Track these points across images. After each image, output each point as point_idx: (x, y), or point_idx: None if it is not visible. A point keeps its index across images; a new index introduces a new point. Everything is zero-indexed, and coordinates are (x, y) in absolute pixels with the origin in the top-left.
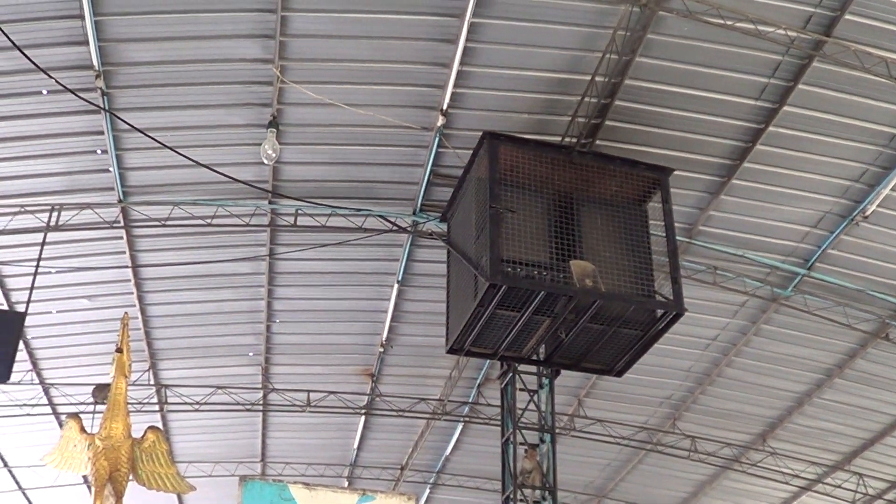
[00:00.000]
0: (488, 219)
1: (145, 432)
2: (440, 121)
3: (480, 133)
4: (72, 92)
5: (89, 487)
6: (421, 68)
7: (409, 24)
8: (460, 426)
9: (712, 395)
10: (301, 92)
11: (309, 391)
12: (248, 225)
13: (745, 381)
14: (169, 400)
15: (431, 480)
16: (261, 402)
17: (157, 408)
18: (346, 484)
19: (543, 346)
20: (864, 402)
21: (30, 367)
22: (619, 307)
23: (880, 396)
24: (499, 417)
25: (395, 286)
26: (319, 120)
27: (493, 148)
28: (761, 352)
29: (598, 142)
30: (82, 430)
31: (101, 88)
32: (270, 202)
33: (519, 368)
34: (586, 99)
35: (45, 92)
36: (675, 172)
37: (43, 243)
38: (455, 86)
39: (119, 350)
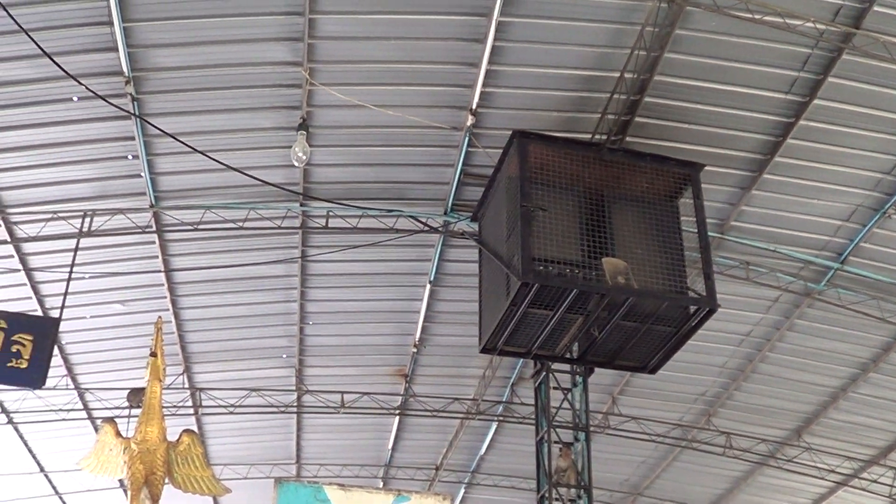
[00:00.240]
0: (519, 217)
1: (180, 435)
2: (470, 120)
3: (510, 132)
4: (102, 98)
5: (125, 491)
6: (449, 68)
7: (437, 24)
8: (494, 425)
9: (747, 391)
10: (330, 94)
11: (343, 392)
12: (279, 227)
13: (780, 377)
14: (203, 403)
15: (466, 480)
16: (295, 404)
17: (191, 411)
18: (381, 485)
19: (577, 344)
20: None
21: (65, 372)
22: (651, 304)
23: None
24: (533, 416)
25: (428, 286)
26: (349, 121)
27: (523, 146)
28: (795, 347)
29: (627, 138)
30: (118, 434)
31: (131, 94)
32: (302, 204)
33: (552, 367)
34: (615, 96)
35: (75, 99)
36: (706, 168)
37: (76, 249)
38: (484, 85)
39: (153, 354)
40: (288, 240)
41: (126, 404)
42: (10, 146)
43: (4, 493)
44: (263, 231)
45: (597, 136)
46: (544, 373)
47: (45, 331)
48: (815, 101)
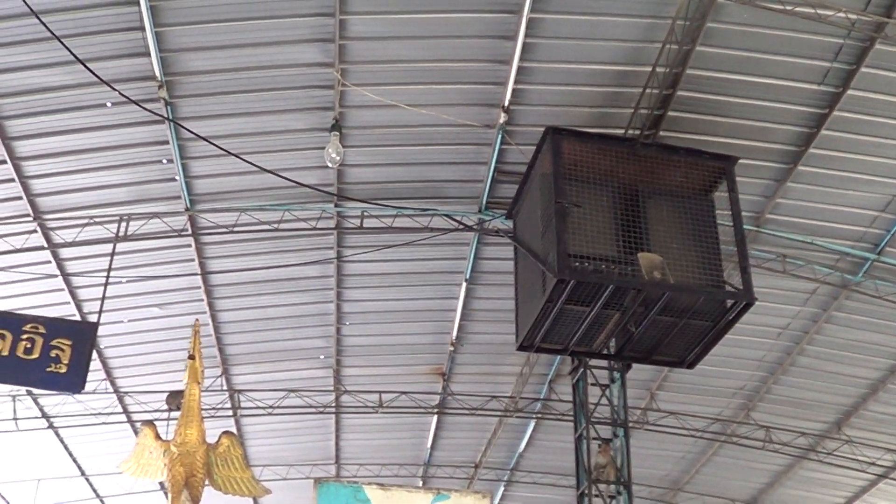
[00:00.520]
0: (554, 214)
1: (220, 437)
2: (502, 118)
3: (543, 129)
4: (135, 103)
5: (166, 493)
6: (481, 66)
7: (467, 22)
8: (533, 423)
9: (785, 385)
10: (362, 94)
11: (381, 392)
12: (314, 228)
13: (819, 370)
14: (242, 404)
15: (505, 478)
16: (333, 405)
17: (230, 413)
18: (420, 483)
19: (614, 340)
20: None
21: (104, 376)
22: (688, 299)
23: None
24: (571, 413)
25: (464, 284)
26: (382, 121)
27: (556, 143)
28: (833, 339)
29: (661, 133)
30: (157, 437)
31: (164, 98)
32: (336, 205)
33: (590, 363)
34: (648, 90)
35: (109, 104)
36: (741, 161)
37: (113, 253)
38: (516, 82)
39: (191, 357)
40: (323, 240)
41: (165, 407)
42: (46, 152)
43: (47, 498)
44: (298, 232)
45: (630, 132)
46: (582, 369)
47: (83, 335)
48: (849, 92)
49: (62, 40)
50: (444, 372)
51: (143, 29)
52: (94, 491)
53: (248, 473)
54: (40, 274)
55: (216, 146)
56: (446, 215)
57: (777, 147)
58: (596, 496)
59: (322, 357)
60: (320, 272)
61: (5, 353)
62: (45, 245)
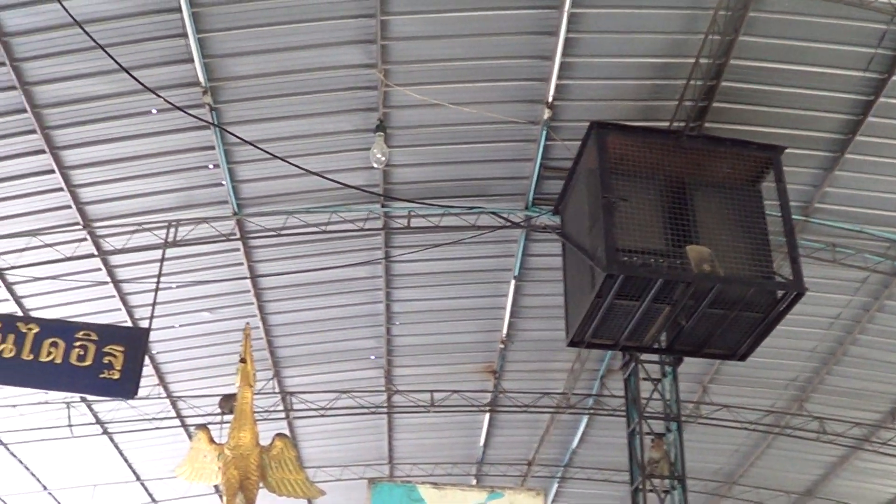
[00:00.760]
0: (601, 209)
1: (273, 440)
2: (546, 114)
3: (588, 123)
4: (181, 109)
5: (220, 497)
6: (524, 62)
7: (508, 19)
8: (585, 419)
9: (838, 375)
10: (406, 94)
11: (432, 391)
12: (362, 229)
13: (871, 359)
14: (294, 406)
15: (559, 474)
16: (385, 405)
17: (283, 415)
18: (474, 482)
19: (665, 334)
20: None
21: (156, 381)
22: (738, 290)
23: None
24: (623, 408)
25: (513, 282)
26: (426, 121)
27: (602, 137)
28: (885, 328)
29: (706, 124)
30: (211, 440)
31: (209, 104)
32: (383, 205)
33: (641, 358)
34: (692, 82)
35: (154, 111)
36: (787, 150)
37: (162, 259)
38: (559, 77)
39: (243, 360)
40: (371, 241)
41: (218, 411)
42: (93, 161)
43: (103, 503)
44: (346, 234)
45: (675, 124)
46: (633, 364)
47: (135, 341)
48: (894, 78)
49: (106, 49)
50: (495, 369)
51: (185, 35)
52: (150, 495)
53: (302, 475)
54: (91, 281)
55: (262, 150)
56: (493, 213)
57: (824, 135)
58: (650, 491)
59: (373, 357)
60: (369, 273)
61: (59, 360)
62: (96, 253)
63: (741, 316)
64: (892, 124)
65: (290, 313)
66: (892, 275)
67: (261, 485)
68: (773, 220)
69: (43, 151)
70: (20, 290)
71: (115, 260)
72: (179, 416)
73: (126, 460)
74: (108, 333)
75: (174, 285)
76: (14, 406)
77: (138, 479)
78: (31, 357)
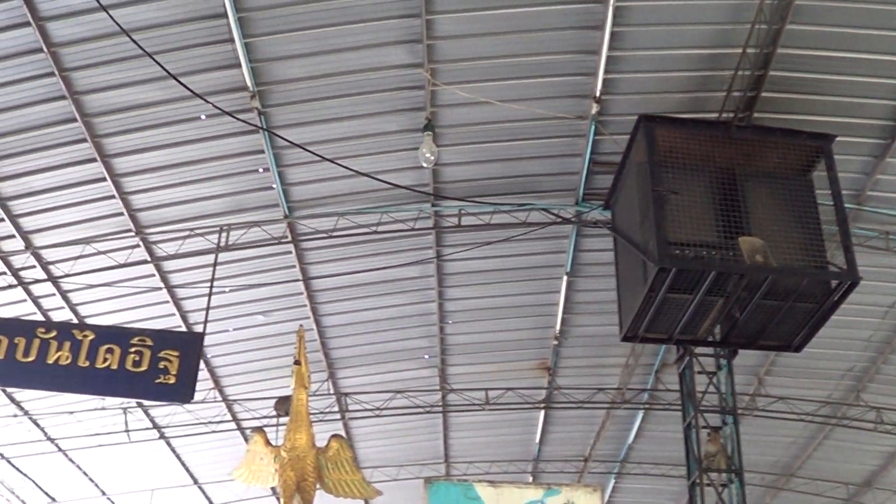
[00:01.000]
0: (652, 202)
1: (329, 441)
2: (594, 108)
3: (636, 117)
4: (229, 114)
5: (278, 499)
6: (570, 57)
7: (553, 14)
8: (641, 413)
9: (895, 364)
10: (453, 93)
11: (487, 389)
12: (412, 229)
13: None
14: (349, 407)
15: (616, 470)
16: (440, 404)
17: (338, 416)
18: (530, 479)
19: (718, 326)
20: None
21: (212, 385)
22: (791, 281)
23: None
24: (679, 402)
25: (565, 278)
26: (474, 119)
27: (650, 131)
28: None
29: (755, 114)
30: (267, 443)
31: (257, 108)
32: (433, 205)
33: (695, 351)
34: (739, 72)
35: (203, 117)
36: (838, 139)
37: (215, 264)
38: (606, 72)
39: (297, 362)
40: (422, 241)
41: (274, 413)
42: (144, 168)
43: None
44: (397, 233)
45: (724, 115)
46: (688, 357)
47: (190, 346)
48: None
49: (154, 57)
50: (549, 366)
51: (232, 41)
52: (208, 499)
53: (358, 476)
54: (145, 287)
55: (311, 152)
56: (544, 209)
57: (874, 122)
58: (707, 485)
59: (426, 357)
60: (420, 272)
61: (114, 366)
62: (149, 259)
63: (795, 307)
64: None
65: (343, 314)
66: None
67: (318, 486)
68: (825, 210)
69: (94, 160)
70: (75, 297)
71: (168, 265)
72: (235, 419)
73: (183, 464)
74: (162, 338)
75: (227, 289)
76: (71, 413)
77: (196, 482)
78: (88, 364)
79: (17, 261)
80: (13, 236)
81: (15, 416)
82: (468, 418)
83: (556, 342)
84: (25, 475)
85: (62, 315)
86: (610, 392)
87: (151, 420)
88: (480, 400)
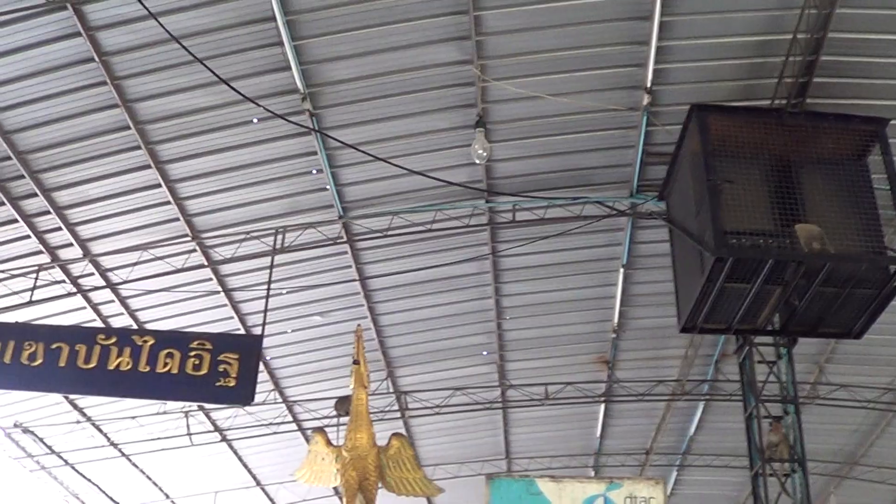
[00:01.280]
0: (707, 192)
1: (390, 439)
2: (646, 99)
3: (688, 107)
4: (281, 117)
5: (340, 498)
6: (620, 49)
7: (601, 6)
8: (702, 405)
9: None
10: (503, 88)
11: (546, 384)
12: (467, 226)
13: None
14: (409, 406)
15: (678, 462)
16: (499, 400)
17: (398, 414)
18: (592, 473)
19: (777, 315)
20: None
21: (272, 386)
22: (850, 267)
23: None
24: (740, 393)
25: (621, 270)
26: (525, 114)
27: (703, 120)
28: None
29: (808, 100)
30: (328, 443)
31: (308, 110)
32: (487, 201)
33: (755, 340)
34: (790, 58)
35: (255, 120)
36: (892, 122)
37: (271, 266)
38: (656, 62)
39: (356, 362)
40: (477, 237)
41: (334, 413)
42: (198, 173)
43: None
44: (452, 231)
45: (776, 102)
46: (747, 347)
47: (249, 348)
48: None
49: (204, 62)
50: (608, 359)
51: (281, 44)
52: (271, 500)
53: (420, 473)
54: (203, 291)
55: (364, 152)
56: (598, 202)
57: None
58: (770, 475)
59: (485, 353)
60: (476, 269)
61: (175, 370)
62: (206, 263)
63: (854, 293)
64: None
65: (400, 313)
66: None
67: (379, 485)
68: (882, 194)
69: (148, 166)
70: (134, 303)
71: (225, 269)
72: (296, 420)
73: (245, 466)
74: (222, 342)
75: (284, 291)
76: (133, 417)
77: (258, 483)
78: (148, 369)
79: (75, 269)
80: (71, 245)
81: (78, 422)
82: (528, 414)
83: (614, 335)
84: (90, 480)
85: (121, 321)
86: (670, 384)
87: (213, 423)
88: (540, 395)
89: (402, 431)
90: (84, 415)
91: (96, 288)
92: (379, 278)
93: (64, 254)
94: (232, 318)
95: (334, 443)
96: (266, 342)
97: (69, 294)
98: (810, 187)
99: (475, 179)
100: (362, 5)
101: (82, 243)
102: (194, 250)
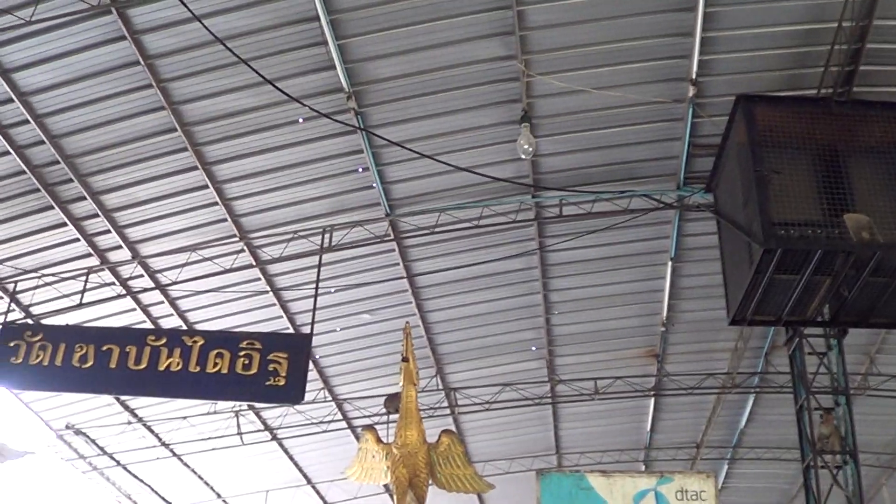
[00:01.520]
0: (754, 183)
1: (440, 436)
2: (691, 91)
3: (734, 97)
4: (327, 116)
5: (391, 496)
6: (664, 41)
7: None
8: (752, 397)
9: None
10: (548, 83)
11: (596, 379)
12: (514, 221)
13: None
14: (459, 402)
15: (728, 455)
16: (549, 395)
17: (447, 411)
18: (642, 467)
19: (827, 306)
20: None
21: (321, 385)
22: None
23: None
24: (790, 385)
25: (669, 263)
26: (570, 108)
27: (749, 110)
28: None
29: (854, 89)
30: (378, 440)
31: (353, 109)
32: (533, 196)
33: (805, 332)
34: (836, 47)
35: (300, 120)
36: None
37: (319, 265)
38: (701, 53)
39: (405, 359)
40: (524, 233)
41: (384, 411)
42: (245, 173)
43: None
44: (499, 227)
45: (822, 91)
46: (797, 339)
47: (298, 347)
48: None
49: (249, 63)
50: (657, 353)
51: (325, 43)
52: (322, 498)
53: (470, 470)
54: (251, 291)
55: (409, 150)
56: (645, 195)
57: None
58: (822, 467)
59: (534, 348)
60: (524, 264)
61: (225, 370)
62: (254, 263)
63: None
64: None
65: (448, 310)
66: None
67: (430, 482)
68: None
69: (195, 168)
70: (183, 304)
71: (273, 269)
72: (346, 418)
73: (296, 464)
74: (271, 341)
75: (333, 289)
76: (184, 418)
77: (309, 482)
78: (198, 369)
79: (125, 271)
80: (120, 247)
81: (129, 423)
82: (578, 409)
83: (663, 329)
84: (141, 481)
85: (171, 322)
86: (720, 377)
87: (263, 422)
88: (589, 390)
89: (452, 428)
90: (135, 415)
91: (146, 289)
92: (426, 275)
93: (113, 256)
94: (281, 317)
95: (384, 440)
96: (315, 341)
97: (119, 296)
98: (858, 176)
99: (521, 175)
100: (405, 3)
101: (131, 245)
102: (242, 250)
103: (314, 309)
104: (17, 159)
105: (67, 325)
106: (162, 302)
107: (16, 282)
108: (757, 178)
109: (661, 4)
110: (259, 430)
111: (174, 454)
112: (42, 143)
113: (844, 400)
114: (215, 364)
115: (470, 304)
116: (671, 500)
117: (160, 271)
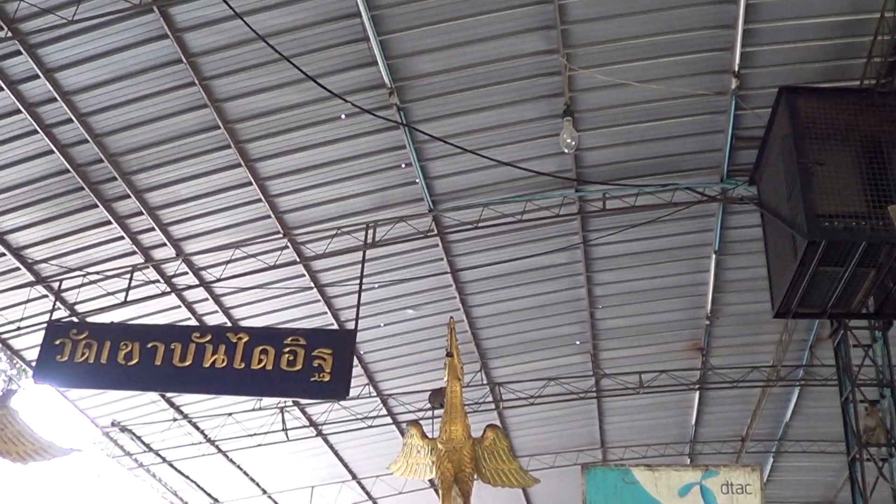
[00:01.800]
0: (798, 175)
1: (485, 431)
2: (734, 83)
3: (776, 89)
4: (369, 112)
5: (436, 491)
6: (706, 33)
7: None
8: (797, 390)
9: None
10: (590, 76)
11: (640, 372)
12: (558, 216)
13: None
14: (503, 397)
15: (774, 449)
16: (594, 389)
17: (492, 406)
18: (688, 461)
19: (872, 297)
20: None
21: (366, 381)
22: None
23: None
24: (835, 377)
25: (713, 256)
26: (613, 101)
27: (792, 102)
28: None
29: None
30: (423, 435)
31: (395, 104)
32: (577, 190)
33: (850, 324)
34: (879, 37)
35: (343, 116)
36: None
37: (363, 261)
38: (743, 45)
39: (449, 354)
40: (567, 227)
41: (428, 406)
42: (288, 170)
43: (323, 502)
44: (542, 221)
45: (865, 82)
46: (842, 331)
47: (342, 343)
48: None
49: (291, 60)
50: (701, 346)
51: (367, 39)
52: (367, 493)
53: (515, 464)
54: (295, 288)
55: (452, 145)
56: (688, 188)
57: None
58: (868, 460)
59: (578, 343)
60: (568, 258)
61: (270, 367)
62: (298, 259)
63: None
64: None
65: (492, 304)
66: None
67: (475, 476)
68: None
69: (239, 165)
70: (227, 301)
71: (317, 265)
72: (391, 414)
73: (341, 460)
74: (315, 337)
75: (376, 285)
76: (230, 414)
77: (354, 477)
78: (243, 366)
79: (169, 268)
80: (164, 244)
81: (175, 419)
82: (623, 403)
83: (707, 322)
84: (187, 477)
85: (216, 319)
86: (765, 370)
87: (308, 418)
88: (634, 384)
89: (497, 423)
90: (180, 412)
91: (190, 287)
92: (470, 270)
93: (157, 254)
94: (325, 313)
95: (429, 435)
96: (359, 336)
97: (163, 294)
98: None
99: (564, 169)
100: None
101: (175, 243)
102: (286, 247)
103: (358, 305)
104: (61, 158)
105: (112, 322)
106: (206, 299)
107: (61, 280)
108: (800, 170)
109: None
110: (304, 426)
111: (219, 450)
112: (85, 141)
113: (890, 392)
114: (260, 360)
115: (514, 298)
116: (717, 494)
117: (204, 268)
